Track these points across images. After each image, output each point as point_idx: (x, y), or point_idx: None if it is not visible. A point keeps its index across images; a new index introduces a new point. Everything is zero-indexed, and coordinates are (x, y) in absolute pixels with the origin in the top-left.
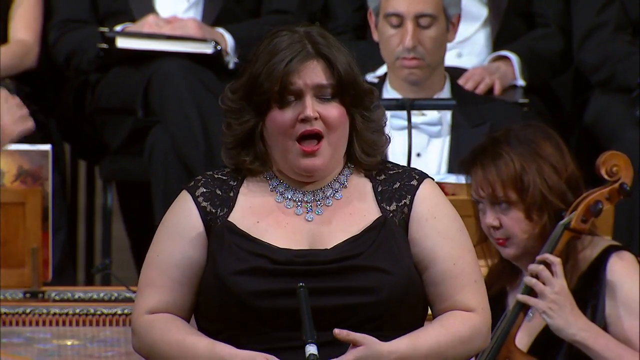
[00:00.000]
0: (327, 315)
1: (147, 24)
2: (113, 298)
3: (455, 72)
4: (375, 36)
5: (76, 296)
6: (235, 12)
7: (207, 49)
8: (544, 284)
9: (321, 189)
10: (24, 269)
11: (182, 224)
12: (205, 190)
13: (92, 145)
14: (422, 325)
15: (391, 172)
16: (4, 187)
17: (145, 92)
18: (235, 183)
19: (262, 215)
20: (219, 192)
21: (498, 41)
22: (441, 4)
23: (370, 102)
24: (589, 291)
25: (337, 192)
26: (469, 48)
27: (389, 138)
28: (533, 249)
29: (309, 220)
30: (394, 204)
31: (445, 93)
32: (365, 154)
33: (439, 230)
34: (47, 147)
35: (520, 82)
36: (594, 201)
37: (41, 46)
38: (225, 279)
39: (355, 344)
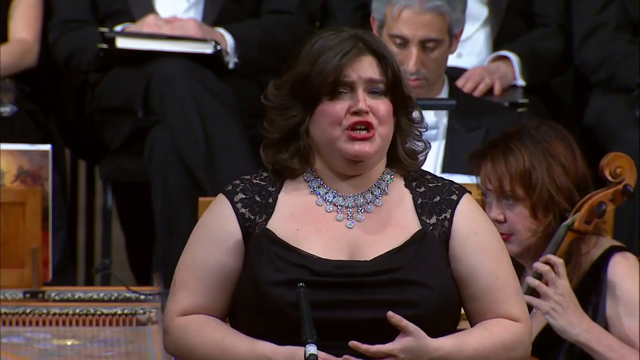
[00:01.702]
0: (365, 327)
1: (147, 24)
2: (113, 298)
3: (455, 72)
4: None
5: (76, 296)
6: (235, 12)
7: (207, 49)
8: (547, 284)
9: (362, 193)
10: (24, 269)
11: (218, 230)
12: (244, 196)
13: (92, 145)
14: None
15: (431, 184)
16: (4, 187)
17: (145, 92)
18: (274, 189)
19: (302, 221)
20: (258, 198)
21: (498, 41)
22: (446, 27)
23: (411, 108)
24: (590, 291)
25: (378, 198)
26: (469, 48)
27: (429, 145)
28: (536, 247)
29: (349, 228)
30: (434, 217)
31: (444, 95)
32: (409, 156)
33: (480, 246)
34: (47, 147)
35: (520, 82)
36: (598, 202)
37: (41, 46)
38: (264, 289)
39: (405, 332)
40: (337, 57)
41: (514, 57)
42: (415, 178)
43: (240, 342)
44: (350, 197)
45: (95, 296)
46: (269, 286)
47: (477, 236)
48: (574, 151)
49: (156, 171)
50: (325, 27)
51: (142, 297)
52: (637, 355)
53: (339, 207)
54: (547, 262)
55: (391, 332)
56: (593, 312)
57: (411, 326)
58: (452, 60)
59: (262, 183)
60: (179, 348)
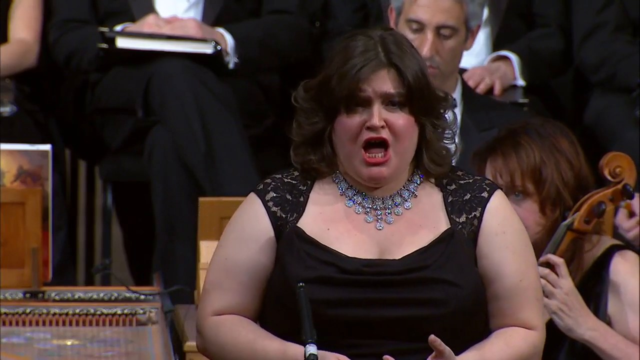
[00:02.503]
0: (394, 326)
1: (147, 24)
2: (113, 298)
3: None
4: None
5: (76, 296)
6: (235, 12)
7: (207, 49)
8: (552, 285)
9: (390, 196)
10: (24, 269)
11: (250, 228)
12: (275, 195)
13: (92, 145)
14: (484, 338)
15: (462, 181)
16: (4, 187)
17: (145, 92)
18: (305, 188)
19: (333, 222)
20: (289, 197)
21: (498, 41)
22: (464, 16)
23: (442, 109)
24: (592, 290)
25: (407, 201)
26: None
27: (459, 146)
28: (542, 243)
29: (379, 229)
30: (464, 215)
31: (456, 96)
32: (434, 163)
33: (507, 245)
34: (47, 147)
35: (520, 82)
36: (597, 202)
37: (41, 46)
38: (293, 286)
39: (437, 354)
40: (354, 70)
41: (514, 57)
42: (446, 175)
43: (272, 343)
44: (379, 199)
45: (95, 296)
46: (297, 283)
47: (505, 235)
48: (577, 148)
49: (156, 171)
50: (325, 27)
51: (142, 297)
52: None
53: (368, 210)
54: (547, 262)
55: (420, 331)
56: (595, 311)
57: (447, 350)
58: None
59: (293, 182)
60: (211, 348)
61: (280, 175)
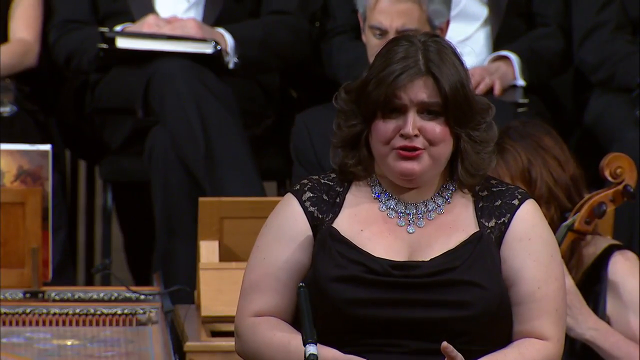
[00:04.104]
0: (419, 327)
1: (147, 24)
2: (113, 298)
3: None
4: (364, 38)
5: (76, 296)
6: (236, 12)
7: (207, 49)
8: None
9: (423, 202)
10: (24, 269)
11: (288, 227)
12: (311, 195)
13: (92, 145)
14: (510, 342)
15: (494, 189)
16: (4, 187)
17: (145, 92)
18: (342, 189)
19: (366, 224)
20: (325, 197)
21: (498, 41)
22: (425, 17)
23: (481, 121)
24: (591, 290)
25: (440, 206)
26: (469, 48)
27: (494, 159)
28: None
29: (410, 233)
30: (493, 220)
31: None
32: (469, 174)
33: (529, 252)
34: (47, 147)
35: (520, 82)
36: (598, 203)
37: (41, 46)
38: (322, 284)
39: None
40: (392, 77)
41: (514, 57)
42: (479, 184)
43: None
44: (412, 204)
45: (95, 296)
46: (327, 282)
47: (530, 242)
48: (562, 144)
49: (156, 171)
50: (325, 27)
51: (142, 297)
52: None
53: (400, 214)
54: None
55: (445, 332)
56: (594, 310)
57: (459, 357)
58: None
59: (330, 183)
60: (248, 349)
61: (317, 177)
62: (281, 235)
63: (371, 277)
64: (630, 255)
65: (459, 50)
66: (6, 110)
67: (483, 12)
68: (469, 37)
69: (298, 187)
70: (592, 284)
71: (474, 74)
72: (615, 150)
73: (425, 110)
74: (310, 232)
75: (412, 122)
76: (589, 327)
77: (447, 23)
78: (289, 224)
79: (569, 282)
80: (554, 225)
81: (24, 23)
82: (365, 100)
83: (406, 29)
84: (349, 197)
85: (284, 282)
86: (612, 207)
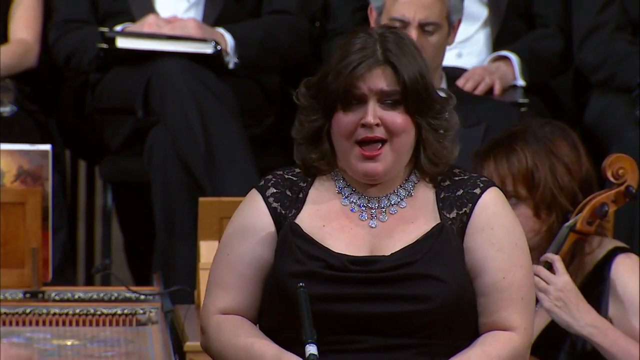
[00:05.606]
0: (380, 322)
1: (147, 24)
2: (113, 298)
3: (455, 72)
4: None
5: (76, 296)
6: (235, 12)
7: (207, 49)
8: (545, 282)
9: (386, 195)
10: (24, 269)
11: (252, 224)
12: (275, 190)
13: (92, 145)
14: (474, 334)
15: (456, 178)
16: (4, 187)
17: (145, 92)
18: (305, 184)
19: (328, 219)
20: (289, 193)
21: (498, 41)
22: (446, 11)
23: (441, 109)
24: (593, 291)
25: (402, 200)
26: (469, 48)
27: (458, 147)
28: (540, 247)
29: (372, 227)
30: (455, 211)
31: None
32: (432, 163)
33: (492, 241)
34: (47, 147)
35: (520, 82)
36: (600, 203)
37: (41, 46)
38: (282, 279)
39: None
40: (349, 68)
41: (514, 57)
42: (442, 173)
43: (269, 350)
44: (374, 198)
45: (95, 296)
46: (286, 277)
47: (493, 231)
48: (579, 151)
49: (156, 171)
50: (325, 27)
51: (142, 297)
52: None
53: (363, 208)
54: (545, 262)
55: (406, 327)
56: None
57: None
58: (452, 60)
59: (294, 178)
60: (213, 347)
61: (281, 172)
62: (244, 231)
63: (330, 272)
64: (634, 257)
65: (458, 50)
66: (6, 110)
67: (483, 12)
68: (469, 38)
69: (262, 182)
70: (595, 286)
71: (474, 74)
72: (615, 150)
73: (385, 100)
74: (273, 228)
75: (373, 111)
76: (587, 323)
77: (459, 22)
78: (252, 220)
79: (564, 278)
80: (553, 231)
81: (24, 23)
82: (324, 93)
83: (429, 22)
84: (312, 192)
85: (248, 278)
86: (614, 208)
